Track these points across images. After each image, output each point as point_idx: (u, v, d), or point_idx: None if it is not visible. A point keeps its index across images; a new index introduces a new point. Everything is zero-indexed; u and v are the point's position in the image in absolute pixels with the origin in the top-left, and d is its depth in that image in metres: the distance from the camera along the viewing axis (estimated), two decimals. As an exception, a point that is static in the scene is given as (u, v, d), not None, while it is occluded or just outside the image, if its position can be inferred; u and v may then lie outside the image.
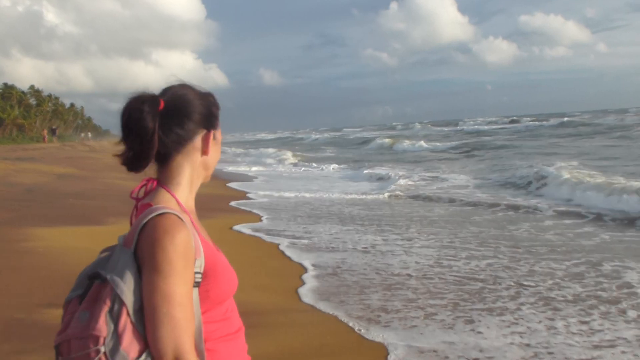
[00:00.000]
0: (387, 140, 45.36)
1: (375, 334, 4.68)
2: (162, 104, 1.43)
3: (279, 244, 8.29)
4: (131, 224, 1.44)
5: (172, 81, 1.52)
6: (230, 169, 25.60)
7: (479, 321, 4.95)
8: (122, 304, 1.27)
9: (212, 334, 1.39)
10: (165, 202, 1.42)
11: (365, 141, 51.16)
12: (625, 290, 5.73)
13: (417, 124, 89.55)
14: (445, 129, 65.19)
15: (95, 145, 58.21)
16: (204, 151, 1.50)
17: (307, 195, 15.05)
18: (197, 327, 1.33)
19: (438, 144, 38.65)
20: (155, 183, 1.48)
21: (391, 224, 10.19)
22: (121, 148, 1.43)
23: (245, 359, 1.50)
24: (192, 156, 1.49)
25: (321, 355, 4.30)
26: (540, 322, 4.91)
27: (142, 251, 1.31)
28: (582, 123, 45.13)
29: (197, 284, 1.35)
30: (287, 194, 15.18)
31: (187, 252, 1.32)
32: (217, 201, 12.81)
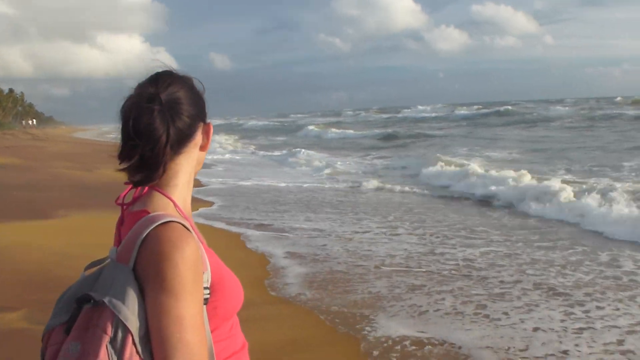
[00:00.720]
0: (314, 127, 45.99)
1: (346, 325, 4.62)
2: (163, 103, 1.23)
3: (241, 233, 8.11)
4: (119, 234, 1.25)
5: (155, 67, 1.31)
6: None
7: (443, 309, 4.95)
8: (126, 331, 1.07)
9: (220, 354, 1.22)
10: (163, 207, 1.23)
11: (299, 128, 50.75)
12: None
13: (362, 112, 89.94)
14: (384, 115, 65.51)
15: (38, 133, 55.96)
16: (204, 146, 1.33)
17: (247, 183, 14.83)
18: (209, 349, 1.16)
19: (366, 131, 38.99)
20: (146, 186, 1.26)
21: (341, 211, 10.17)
22: (122, 159, 1.22)
23: None
24: (192, 153, 1.31)
25: (295, 349, 4.20)
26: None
27: (145, 268, 1.12)
28: (517, 112, 46.14)
29: (205, 301, 1.17)
30: (229, 181, 14.97)
31: (197, 266, 1.14)
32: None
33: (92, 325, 1.09)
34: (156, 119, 1.20)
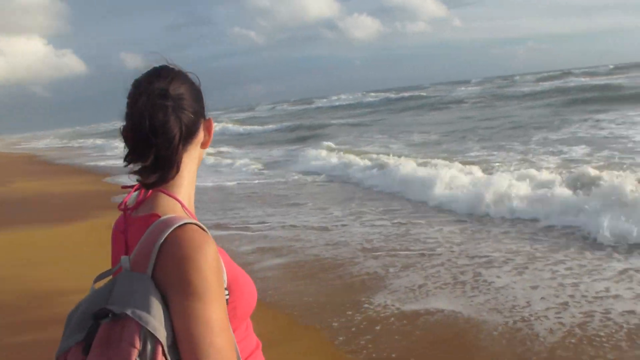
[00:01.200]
0: (229, 124, 43.42)
1: (306, 318, 4.65)
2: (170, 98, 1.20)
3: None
4: (124, 241, 1.20)
5: (153, 60, 1.27)
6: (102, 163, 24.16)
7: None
8: (156, 342, 1.03)
9: (241, 355, 1.19)
10: (171, 209, 1.18)
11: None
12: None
13: (278, 104, 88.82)
14: (299, 107, 64.49)
15: None
16: (205, 143, 1.29)
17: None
18: (235, 350, 1.14)
19: (277, 125, 37.44)
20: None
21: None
22: (134, 160, 1.18)
23: None
24: (195, 151, 1.27)
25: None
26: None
27: (167, 274, 1.07)
28: (427, 97, 46.51)
29: (225, 302, 1.14)
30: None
31: (219, 267, 1.11)
32: (95, 198, 12.10)
33: (115, 340, 1.03)
34: (171, 116, 1.17)
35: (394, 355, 3.89)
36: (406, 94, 53.54)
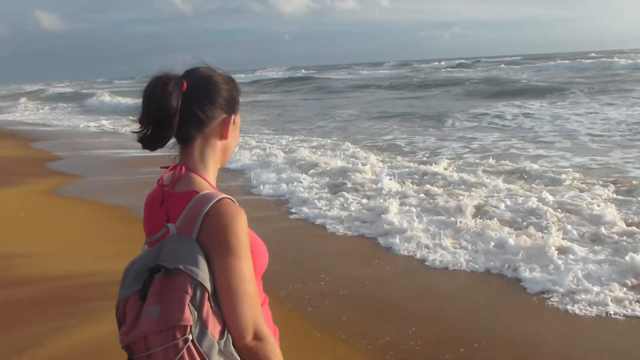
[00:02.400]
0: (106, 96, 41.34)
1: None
2: (185, 85, 1.44)
3: (121, 205, 7.90)
4: (165, 212, 1.43)
5: (196, 63, 1.52)
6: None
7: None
8: (204, 290, 1.28)
9: None
10: (205, 187, 1.45)
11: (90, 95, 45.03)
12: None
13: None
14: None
15: None
16: (223, 135, 1.51)
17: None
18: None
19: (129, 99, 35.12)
20: (184, 169, 1.46)
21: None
22: (138, 126, 1.43)
23: (273, 326, 1.57)
24: (213, 140, 1.50)
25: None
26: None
27: (210, 238, 1.33)
28: (328, 78, 46.59)
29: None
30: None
31: (247, 232, 1.38)
32: (26, 164, 11.63)
33: (169, 289, 1.26)
34: (169, 97, 1.40)
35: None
36: (315, 73, 54.95)
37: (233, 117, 1.53)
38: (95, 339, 3.90)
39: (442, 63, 64.19)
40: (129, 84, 67.98)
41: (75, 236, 6.51)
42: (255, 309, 1.35)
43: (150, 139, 1.43)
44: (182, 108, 1.42)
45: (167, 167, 1.48)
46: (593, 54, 56.05)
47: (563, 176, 8.39)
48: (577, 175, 8.54)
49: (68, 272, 5.24)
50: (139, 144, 1.45)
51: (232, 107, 1.53)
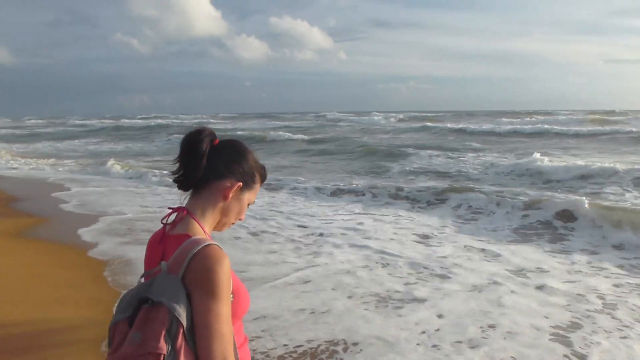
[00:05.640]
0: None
1: None
2: (217, 141, 1.67)
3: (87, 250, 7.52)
4: (162, 250, 1.59)
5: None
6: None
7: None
8: (179, 325, 1.40)
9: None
10: (199, 232, 1.60)
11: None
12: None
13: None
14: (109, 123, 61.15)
15: None
16: (226, 195, 1.67)
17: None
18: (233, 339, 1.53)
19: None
20: (185, 212, 1.64)
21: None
22: (175, 167, 1.65)
23: None
24: (217, 196, 1.67)
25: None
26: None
27: (194, 277, 1.46)
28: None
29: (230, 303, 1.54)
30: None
31: (230, 277, 1.51)
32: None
33: (152, 319, 1.40)
34: (202, 142, 1.64)
35: None
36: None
37: (241, 186, 1.70)
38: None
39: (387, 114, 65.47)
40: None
41: (14, 281, 6.11)
42: (226, 347, 1.45)
43: (181, 178, 1.64)
44: (209, 155, 1.63)
45: (172, 209, 1.66)
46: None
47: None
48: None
49: (4, 321, 4.91)
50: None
51: (245, 179, 1.71)
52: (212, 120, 66.27)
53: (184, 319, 1.41)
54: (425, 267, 6.79)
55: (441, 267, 6.79)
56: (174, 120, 62.96)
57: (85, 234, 8.53)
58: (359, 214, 10.60)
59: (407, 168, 18.16)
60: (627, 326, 4.92)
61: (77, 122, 65.03)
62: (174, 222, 1.63)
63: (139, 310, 1.42)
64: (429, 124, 41.89)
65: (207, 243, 1.50)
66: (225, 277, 1.47)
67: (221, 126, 49.92)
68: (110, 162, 19.78)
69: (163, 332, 1.38)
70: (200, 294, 1.44)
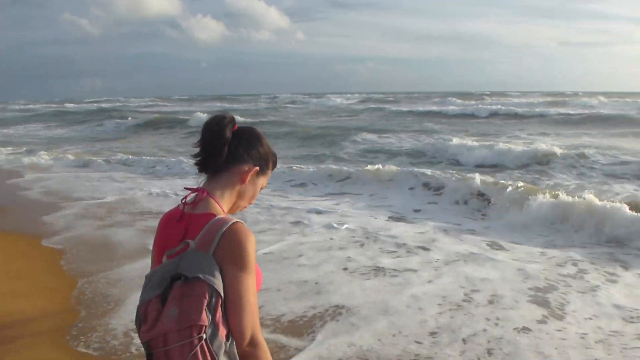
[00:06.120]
0: None
1: None
2: (235, 127, 1.74)
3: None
4: (183, 228, 1.62)
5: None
6: None
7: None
8: (219, 297, 1.49)
9: None
10: (220, 211, 1.68)
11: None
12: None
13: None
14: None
15: None
16: (243, 179, 1.76)
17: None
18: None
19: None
20: (205, 193, 1.69)
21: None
22: (197, 151, 1.71)
23: None
24: (235, 179, 1.75)
25: None
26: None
27: (225, 253, 1.54)
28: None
29: None
30: None
31: (255, 252, 1.60)
32: None
33: (188, 295, 1.46)
34: (225, 128, 1.71)
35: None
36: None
37: (258, 170, 1.79)
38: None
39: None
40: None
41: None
42: (254, 318, 1.56)
43: (203, 162, 1.71)
44: (230, 141, 1.70)
45: (191, 189, 1.72)
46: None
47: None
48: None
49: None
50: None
51: (261, 164, 1.80)
52: (159, 103, 64.69)
53: (222, 292, 1.49)
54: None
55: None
56: (126, 104, 61.48)
57: (52, 221, 8.34)
58: (311, 199, 10.59)
59: (345, 151, 18.49)
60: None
61: (21, 107, 62.09)
62: (194, 202, 1.68)
63: (171, 288, 1.48)
64: (387, 106, 42.38)
65: (234, 221, 1.59)
66: (253, 251, 1.58)
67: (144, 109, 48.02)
68: (45, 151, 18.89)
69: (204, 305, 1.45)
70: (233, 268, 1.53)
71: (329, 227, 7.96)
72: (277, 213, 8.93)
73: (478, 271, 5.95)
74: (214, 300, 1.48)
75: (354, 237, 7.42)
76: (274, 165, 1.88)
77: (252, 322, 1.55)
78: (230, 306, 1.52)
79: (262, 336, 1.59)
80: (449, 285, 5.54)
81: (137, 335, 1.74)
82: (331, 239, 7.33)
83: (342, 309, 4.93)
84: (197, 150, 1.72)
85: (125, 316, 4.68)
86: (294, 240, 7.28)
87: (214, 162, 1.71)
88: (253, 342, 1.56)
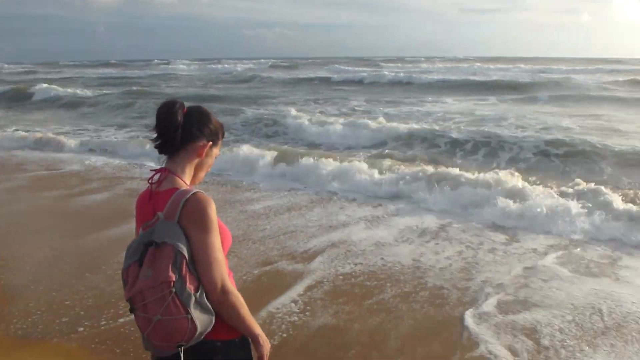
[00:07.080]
0: None
1: None
2: (185, 110, 1.94)
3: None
4: (152, 206, 1.87)
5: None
6: None
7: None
8: (182, 257, 1.74)
9: None
10: (183, 185, 1.91)
11: None
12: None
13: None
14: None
15: None
16: (200, 154, 1.98)
17: None
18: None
19: None
20: (167, 171, 1.93)
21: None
22: (155, 136, 1.91)
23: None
24: (192, 155, 1.97)
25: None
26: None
27: (188, 219, 1.78)
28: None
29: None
30: None
31: (216, 216, 1.85)
32: None
33: (159, 257, 1.73)
34: (176, 114, 1.91)
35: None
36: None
37: (211, 144, 2.02)
38: None
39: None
40: None
41: None
42: (222, 270, 1.81)
43: (161, 145, 1.92)
44: (182, 124, 1.91)
45: (155, 170, 1.96)
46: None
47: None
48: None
49: None
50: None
51: (213, 138, 2.02)
52: (40, 69, 59.72)
53: (185, 252, 1.73)
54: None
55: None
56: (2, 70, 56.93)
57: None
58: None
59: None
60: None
61: None
62: (159, 181, 1.91)
63: (146, 253, 1.74)
64: (280, 74, 41.83)
65: (194, 191, 1.82)
66: (214, 214, 1.81)
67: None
68: None
69: (170, 265, 1.71)
70: (196, 230, 1.77)
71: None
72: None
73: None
74: (178, 259, 1.72)
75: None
76: (223, 135, 2.07)
77: (220, 273, 1.79)
78: (199, 263, 1.77)
79: (232, 285, 1.84)
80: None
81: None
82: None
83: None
84: (154, 135, 1.92)
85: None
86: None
87: (172, 144, 1.91)
88: (224, 290, 1.80)
